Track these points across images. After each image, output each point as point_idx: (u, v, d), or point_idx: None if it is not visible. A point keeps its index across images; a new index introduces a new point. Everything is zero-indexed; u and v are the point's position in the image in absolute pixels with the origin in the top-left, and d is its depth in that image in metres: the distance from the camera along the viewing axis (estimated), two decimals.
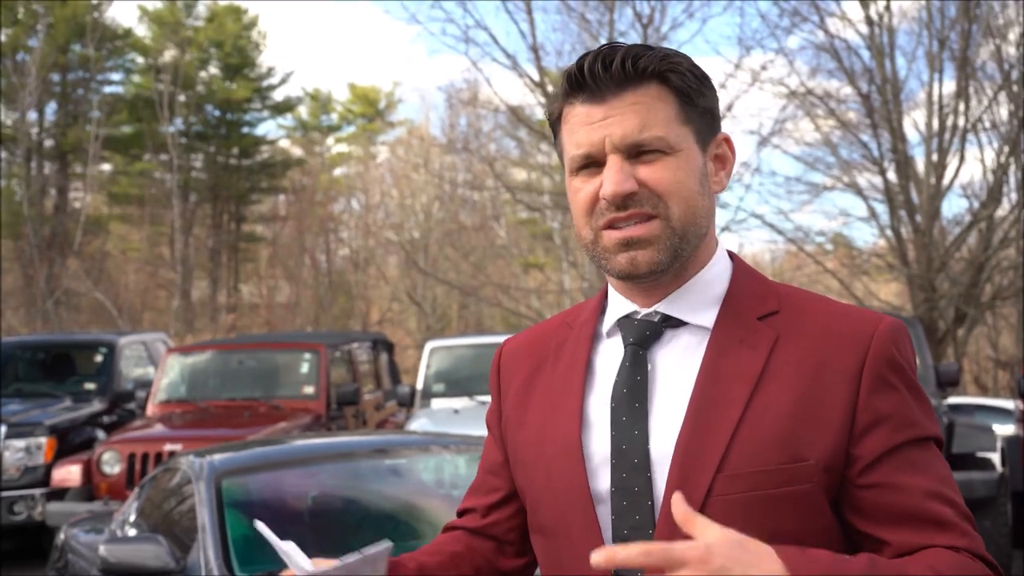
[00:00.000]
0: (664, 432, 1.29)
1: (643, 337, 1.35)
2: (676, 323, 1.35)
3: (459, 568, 1.46)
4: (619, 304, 1.40)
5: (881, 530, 1.25)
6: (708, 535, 1.07)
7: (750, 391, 1.27)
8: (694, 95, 1.33)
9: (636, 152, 1.30)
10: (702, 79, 1.35)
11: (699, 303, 1.35)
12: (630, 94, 1.30)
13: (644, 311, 1.37)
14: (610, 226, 1.31)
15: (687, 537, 1.17)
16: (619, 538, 1.29)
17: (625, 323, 1.38)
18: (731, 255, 1.41)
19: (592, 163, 1.32)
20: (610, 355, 1.39)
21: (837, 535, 1.28)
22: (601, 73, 1.30)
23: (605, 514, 1.30)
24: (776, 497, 1.23)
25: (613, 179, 1.28)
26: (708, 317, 1.34)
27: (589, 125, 1.31)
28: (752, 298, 1.35)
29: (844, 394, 1.26)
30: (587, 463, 1.32)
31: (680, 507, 1.10)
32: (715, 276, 1.37)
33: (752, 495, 1.23)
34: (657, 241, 1.29)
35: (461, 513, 1.56)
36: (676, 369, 1.33)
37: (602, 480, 1.31)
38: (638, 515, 1.28)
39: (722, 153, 1.39)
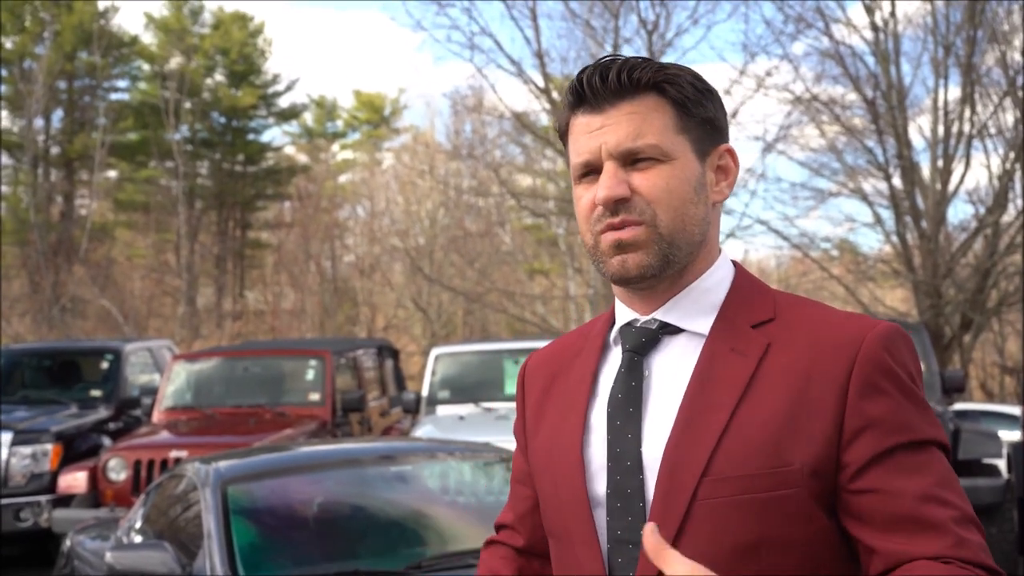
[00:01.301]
0: (656, 436, 1.32)
1: (639, 344, 1.39)
2: (673, 330, 1.38)
3: None
4: (623, 313, 1.44)
5: (873, 537, 1.25)
6: (676, 570, 1.08)
7: (738, 397, 1.29)
8: (691, 105, 1.37)
9: (631, 160, 1.35)
10: (703, 92, 1.39)
11: (696, 310, 1.38)
12: (627, 104, 1.35)
13: (643, 319, 1.40)
14: (606, 230, 1.36)
15: (677, 539, 1.22)
16: (613, 539, 1.33)
17: (625, 331, 1.42)
18: (735, 264, 1.44)
19: (592, 171, 1.37)
20: (613, 363, 1.43)
21: (830, 542, 1.27)
22: (599, 85, 1.36)
23: (601, 517, 1.34)
24: (761, 501, 1.25)
25: (606, 184, 1.34)
26: (704, 324, 1.37)
27: (588, 134, 1.37)
28: (748, 306, 1.38)
29: (831, 400, 1.27)
30: (587, 469, 1.37)
31: (652, 539, 1.10)
32: (714, 284, 1.40)
33: (737, 499, 1.25)
34: (645, 245, 1.33)
35: (498, 528, 1.63)
36: (670, 375, 1.36)
37: (600, 484, 1.35)
38: (631, 516, 1.31)
39: (724, 164, 1.42)
